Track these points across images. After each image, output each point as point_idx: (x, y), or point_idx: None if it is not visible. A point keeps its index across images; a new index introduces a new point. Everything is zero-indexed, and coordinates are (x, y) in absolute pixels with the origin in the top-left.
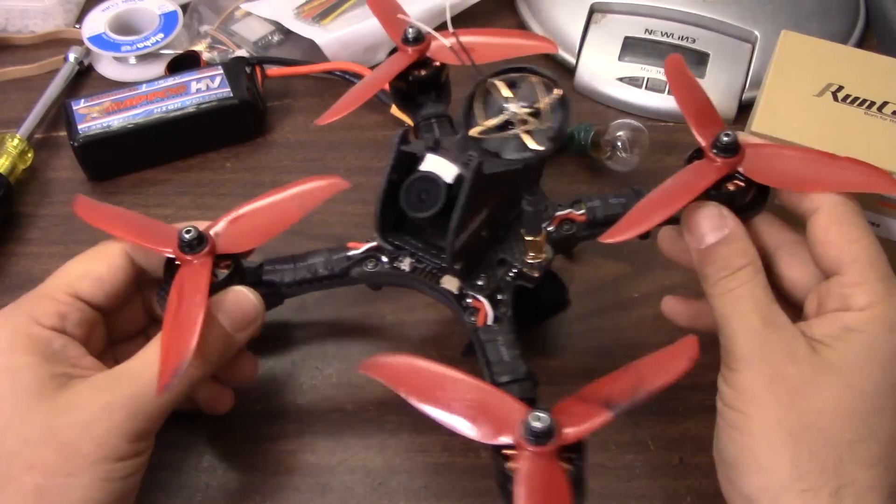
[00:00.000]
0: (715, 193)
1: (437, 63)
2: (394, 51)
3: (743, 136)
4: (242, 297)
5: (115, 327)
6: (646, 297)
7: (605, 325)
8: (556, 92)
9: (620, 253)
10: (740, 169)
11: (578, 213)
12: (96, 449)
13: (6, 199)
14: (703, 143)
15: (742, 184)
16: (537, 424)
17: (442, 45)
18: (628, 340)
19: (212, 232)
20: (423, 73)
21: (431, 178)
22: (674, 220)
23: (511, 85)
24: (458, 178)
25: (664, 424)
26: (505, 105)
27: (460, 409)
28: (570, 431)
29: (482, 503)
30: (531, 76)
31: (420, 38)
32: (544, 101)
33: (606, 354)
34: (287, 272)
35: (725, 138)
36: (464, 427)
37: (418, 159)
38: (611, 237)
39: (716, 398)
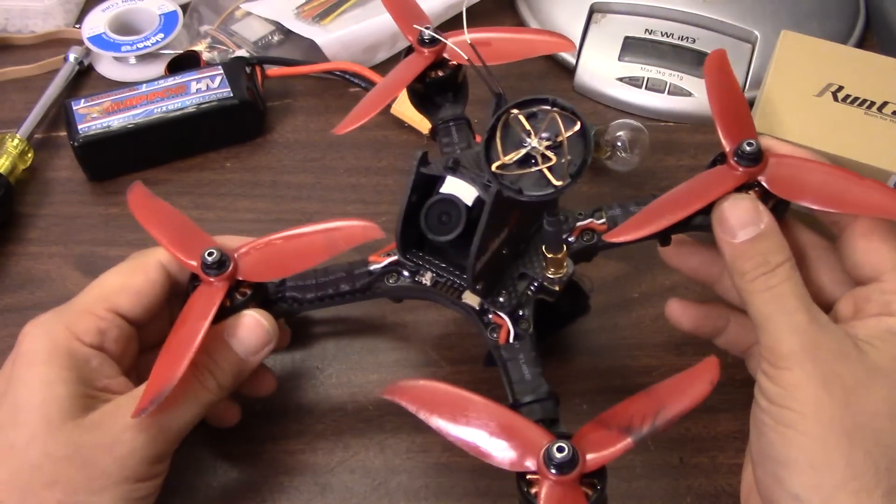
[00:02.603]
0: None
1: (454, 63)
2: (409, 51)
3: (769, 143)
4: (255, 322)
5: (142, 338)
6: (646, 296)
7: (605, 325)
8: (577, 124)
9: (620, 253)
10: (762, 180)
11: (599, 223)
12: (119, 469)
13: (6, 199)
14: (727, 147)
15: (761, 193)
16: (559, 455)
17: (459, 45)
18: (628, 340)
19: (237, 255)
20: (440, 74)
21: (452, 201)
22: (683, 227)
23: (530, 117)
24: (478, 199)
25: None
26: (525, 139)
27: (485, 435)
28: (592, 458)
29: (482, 503)
30: (550, 107)
31: (436, 40)
32: (565, 135)
33: (607, 354)
34: (310, 288)
35: (748, 147)
36: (489, 453)
37: (437, 179)
38: (617, 236)
39: (755, 395)
